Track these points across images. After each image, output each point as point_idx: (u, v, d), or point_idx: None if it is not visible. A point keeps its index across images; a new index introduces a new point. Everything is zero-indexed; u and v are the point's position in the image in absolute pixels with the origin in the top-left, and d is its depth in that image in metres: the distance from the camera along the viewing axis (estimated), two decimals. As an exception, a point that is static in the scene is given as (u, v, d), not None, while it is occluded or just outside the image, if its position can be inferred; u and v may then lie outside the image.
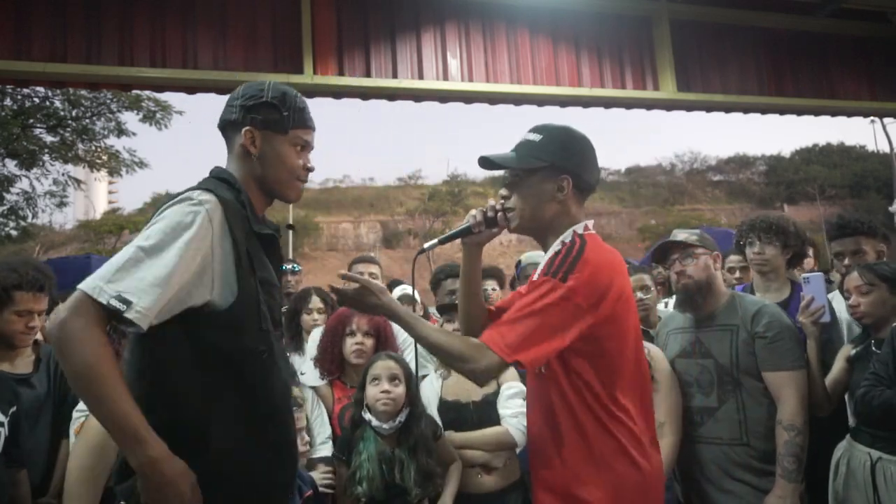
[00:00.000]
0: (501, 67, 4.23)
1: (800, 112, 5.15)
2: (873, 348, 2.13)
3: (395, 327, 2.96)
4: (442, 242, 1.64)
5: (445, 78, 4.09)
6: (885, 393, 1.93)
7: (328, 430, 2.39)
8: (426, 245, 1.65)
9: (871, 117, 17.93)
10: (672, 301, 2.55)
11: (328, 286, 1.64)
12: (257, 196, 1.45)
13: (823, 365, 2.28)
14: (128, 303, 1.14)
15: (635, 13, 4.58)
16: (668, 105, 4.70)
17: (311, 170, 1.52)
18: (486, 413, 2.32)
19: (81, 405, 2.15)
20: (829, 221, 2.71)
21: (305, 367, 2.64)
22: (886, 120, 22.99)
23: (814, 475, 2.16)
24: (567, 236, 1.52)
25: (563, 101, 4.44)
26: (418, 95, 4.11)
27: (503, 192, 1.60)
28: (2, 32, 3.40)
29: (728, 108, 4.85)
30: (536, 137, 1.55)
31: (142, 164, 14.64)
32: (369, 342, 2.46)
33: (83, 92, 12.13)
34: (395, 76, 3.98)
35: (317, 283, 3.74)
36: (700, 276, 2.23)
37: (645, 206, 40.96)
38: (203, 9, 3.73)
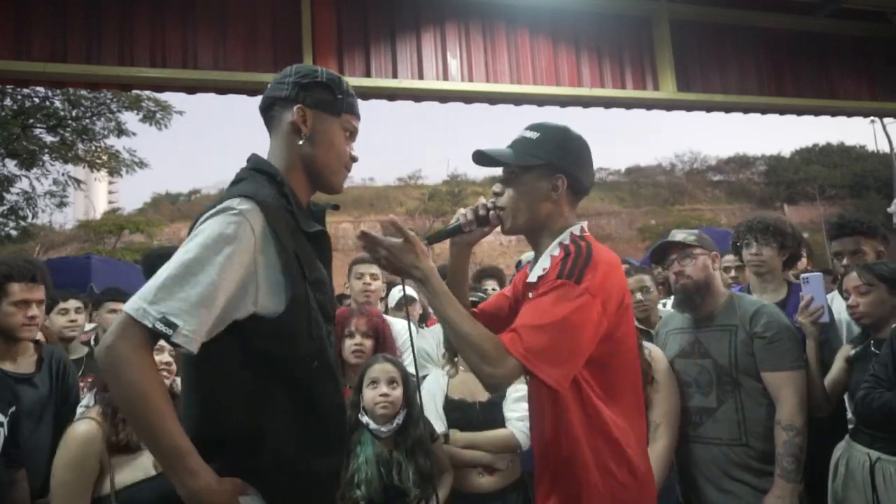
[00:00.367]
0: (501, 67, 4.23)
1: (800, 112, 5.15)
2: (873, 349, 2.13)
3: (395, 328, 2.97)
4: (431, 242, 1.60)
5: (445, 78, 4.09)
6: (884, 395, 1.93)
7: None
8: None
9: (871, 117, 17.93)
10: (672, 301, 2.56)
11: (360, 232, 1.46)
12: (301, 184, 1.39)
13: (822, 365, 2.28)
14: (173, 326, 1.12)
15: (635, 13, 4.58)
16: (668, 105, 4.70)
17: (355, 159, 1.47)
18: (492, 414, 2.33)
19: (85, 401, 2.16)
20: (828, 221, 2.72)
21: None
22: (886, 120, 23.01)
23: (813, 475, 2.16)
24: (565, 238, 1.50)
25: (563, 101, 4.44)
26: (418, 95, 4.11)
27: (496, 189, 1.57)
28: (2, 32, 3.40)
29: (728, 108, 4.85)
30: (533, 135, 1.53)
31: (142, 164, 14.65)
32: (368, 343, 2.45)
33: (83, 92, 12.13)
34: (395, 76, 3.98)
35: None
36: (699, 276, 2.23)
37: (645, 206, 40.94)
38: (203, 9, 3.73)
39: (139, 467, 1.79)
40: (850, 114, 5.30)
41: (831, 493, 2.15)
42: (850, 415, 2.38)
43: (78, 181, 14.70)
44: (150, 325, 1.12)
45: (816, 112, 5.18)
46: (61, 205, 14.40)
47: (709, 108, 4.83)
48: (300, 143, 1.37)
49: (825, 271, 2.85)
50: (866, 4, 4.82)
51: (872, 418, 1.99)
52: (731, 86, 4.72)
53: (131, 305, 1.14)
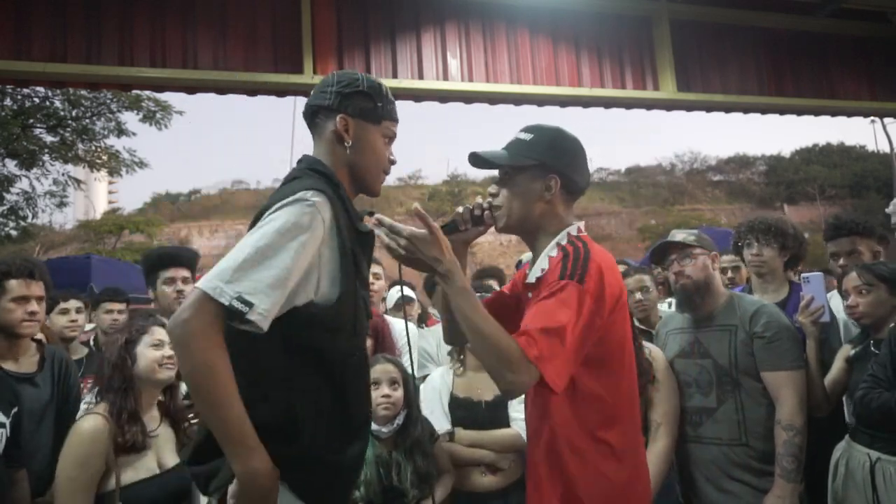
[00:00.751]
0: (501, 67, 4.22)
1: (800, 112, 5.14)
2: (872, 349, 2.13)
3: (395, 328, 2.97)
4: None
5: (445, 78, 4.09)
6: (883, 395, 1.93)
7: None
8: None
9: (871, 117, 17.92)
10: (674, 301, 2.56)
11: (375, 218, 1.39)
12: (347, 187, 1.45)
13: (822, 365, 2.28)
14: (249, 304, 1.16)
15: (635, 13, 4.58)
16: (668, 105, 4.70)
17: (394, 162, 1.53)
18: (497, 413, 2.33)
19: (87, 398, 2.16)
20: (825, 222, 2.72)
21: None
22: (886, 120, 22.98)
23: (812, 475, 2.17)
24: (563, 238, 1.51)
25: (563, 101, 4.44)
26: (418, 95, 4.11)
27: (492, 189, 1.59)
28: (2, 32, 3.40)
29: (728, 108, 4.85)
30: (527, 136, 1.56)
31: (142, 164, 14.63)
32: (368, 343, 2.46)
33: (83, 92, 12.11)
34: (395, 76, 3.98)
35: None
36: (698, 276, 2.23)
37: (645, 206, 40.92)
38: (203, 9, 3.73)
39: (143, 466, 1.80)
40: (850, 114, 5.30)
41: (831, 493, 2.15)
42: (847, 415, 2.39)
43: (78, 181, 14.69)
44: (226, 303, 1.15)
45: (816, 112, 5.18)
46: (61, 205, 14.39)
47: (709, 108, 4.83)
48: (344, 150, 1.44)
49: (825, 271, 2.84)
50: (866, 4, 4.81)
51: (871, 418, 1.99)
52: (731, 86, 4.72)
53: (207, 284, 1.17)
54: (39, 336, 2.57)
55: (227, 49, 3.73)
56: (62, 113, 13.03)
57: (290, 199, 1.29)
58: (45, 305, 2.47)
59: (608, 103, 4.56)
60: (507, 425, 2.31)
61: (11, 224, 13.71)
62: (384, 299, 3.67)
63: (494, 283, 3.78)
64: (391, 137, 1.51)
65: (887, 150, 28.17)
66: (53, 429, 2.35)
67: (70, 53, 3.48)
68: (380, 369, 2.14)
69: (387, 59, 4.01)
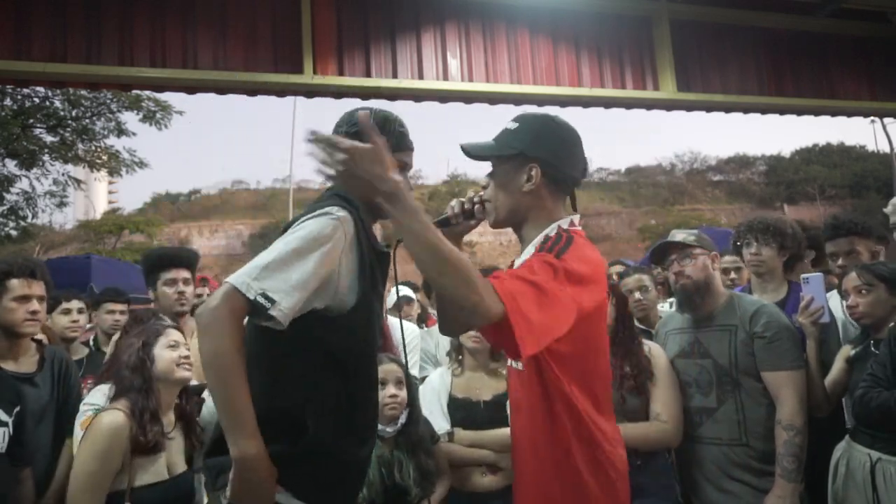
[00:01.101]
0: (501, 67, 4.23)
1: (800, 112, 5.14)
2: (872, 349, 2.13)
3: (393, 329, 2.98)
4: None
5: (445, 78, 4.09)
6: (882, 394, 1.93)
7: None
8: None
9: (871, 117, 17.93)
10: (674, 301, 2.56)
11: (310, 131, 1.23)
12: (365, 212, 1.52)
13: (822, 365, 2.28)
14: (272, 301, 1.25)
15: (635, 13, 4.58)
16: (668, 105, 4.70)
17: (410, 189, 1.56)
18: (496, 413, 2.32)
19: (88, 399, 2.16)
20: (824, 222, 2.73)
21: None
22: (886, 120, 22.99)
23: (812, 476, 2.17)
24: (552, 230, 1.45)
25: (563, 101, 4.44)
26: (418, 95, 4.11)
27: (482, 182, 1.55)
28: (2, 32, 3.40)
29: (728, 108, 4.85)
30: (513, 125, 1.50)
31: (142, 164, 14.63)
32: None
33: (83, 92, 12.11)
34: (395, 76, 3.98)
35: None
36: (698, 276, 2.23)
37: (645, 206, 40.91)
38: (203, 9, 3.73)
39: (154, 470, 1.81)
40: (850, 114, 5.30)
41: (831, 493, 2.15)
42: (846, 415, 2.39)
43: (78, 181, 14.69)
44: (252, 297, 1.25)
45: (816, 112, 5.18)
46: (61, 205, 14.40)
47: (709, 108, 4.83)
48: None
49: (825, 271, 2.85)
50: (866, 4, 4.81)
51: (870, 417, 1.98)
52: (731, 86, 4.72)
53: (236, 279, 1.27)
54: (40, 336, 2.57)
55: (227, 49, 3.73)
56: (62, 113, 13.03)
57: (318, 212, 1.40)
58: (47, 305, 2.47)
59: (608, 103, 4.57)
60: (507, 424, 2.31)
61: (11, 224, 13.72)
62: (408, 300, 3.68)
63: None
64: (404, 167, 1.53)
65: (887, 150, 28.18)
66: (53, 429, 2.35)
67: (70, 53, 3.48)
68: (386, 369, 2.14)
69: (387, 59, 4.01)
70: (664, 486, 2.17)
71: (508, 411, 2.31)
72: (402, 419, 2.13)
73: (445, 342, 3.16)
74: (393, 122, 1.54)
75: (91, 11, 3.54)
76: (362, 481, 1.56)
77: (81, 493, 1.67)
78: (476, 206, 1.53)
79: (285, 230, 1.41)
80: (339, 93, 3.98)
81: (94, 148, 14.22)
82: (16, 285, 2.25)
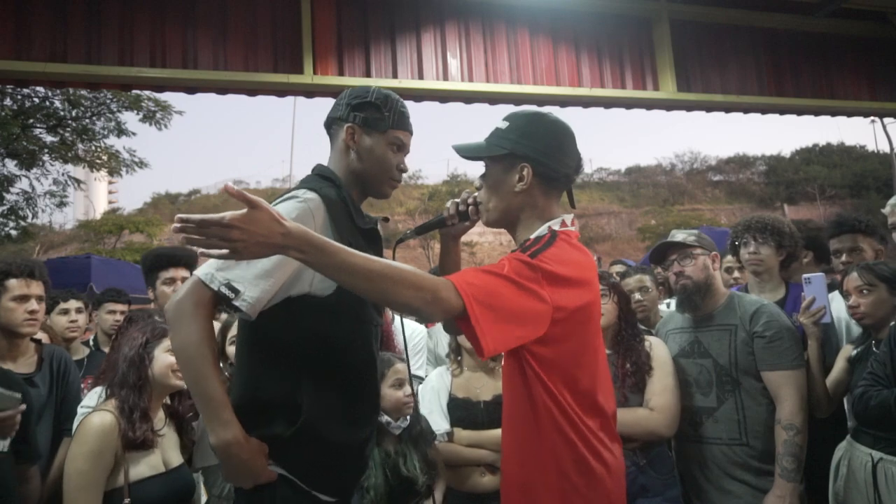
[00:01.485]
0: (501, 67, 4.22)
1: (800, 112, 5.14)
2: (874, 349, 2.13)
3: (408, 329, 2.99)
4: (418, 233, 1.65)
5: (445, 78, 4.09)
6: (882, 393, 1.93)
7: None
8: (405, 234, 1.64)
9: (871, 117, 17.92)
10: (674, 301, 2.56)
11: (177, 217, 1.08)
12: (353, 190, 1.54)
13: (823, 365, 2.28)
14: (236, 291, 1.27)
15: (635, 13, 4.58)
16: (668, 105, 4.69)
17: (403, 170, 1.59)
18: (496, 413, 2.32)
19: (85, 401, 2.16)
20: (829, 220, 2.74)
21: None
22: (886, 120, 22.97)
23: (813, 476, 2.16)
24: (542, 231, 1.41)
25: (563, 101, 4.44)
26: (418, 95, 4.11)
27: (477, 182, 1.52)
28: (2, 32, 3.40)
29: (728, 108, 4.85)
30: (504, 124, 1.46)
31: (142, 164, 14.60)
32: None
33: (83, 92, 12.10)
34: (395, 76, 3.98)
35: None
36: (698, 276, 2.23)
37: (645, 206, 40.87)
38: (203, 9, 3.73)
39: (150, 464, 1.81)
40: (850, 114, 5.30)
41: (832, 493, 2.15)
42: (848, 415, 2.38)
43: (78, 181, 14.67)
44: (216, 288, 1.27)
45: (816, 112, 5.17)
46: (61, 205, 14.36)
47: (709, 108, 4.82)
48: (351, 157, 1.54)
49: (826, 270, 2.85)
50: (866, 4, 4.81)
51: (870, 416, 1.98)
52: (731, 86, 4.72)
53: (202, 270, 1.29)
54: (39, 336, 2.57)
55: (227, 49, 3.73)
56: (62, 113, 13.01)
57: (285, 197, 1.40)
58: (45, 305, 2.47)
59: (608, 103, 4.56)
60: None
61: (11, 224, 13.68)
62: None
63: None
64: (400, 146, 1.56)
65: (887, 150, 28.17)
66: (51, 428, 2.35)
67: (70, 53, 3.48)
68: (400, 369, 2.14)
69: (387, 59, 4.01)
70: (668, 486, 2.17)
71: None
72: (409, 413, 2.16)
73: (445, 342, 3.16)
74: (395, 101, 1.57)
75: (91, 11, 3.54)
76: (362, 464, 1.54)
77: (76, 492, 1.67)
78: (470, 208, 1.53)
79: None
80: (338, 93, 3.90)
81: (94, 148, 14.20)
82: (14, 285, 2.25)
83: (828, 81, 4.98)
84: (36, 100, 12.40)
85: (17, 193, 13.38)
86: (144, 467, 1.79)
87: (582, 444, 1.33)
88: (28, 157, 12.90)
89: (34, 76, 3.51)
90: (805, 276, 2.34)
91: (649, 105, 4.66)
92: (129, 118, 13.42)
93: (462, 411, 2.35)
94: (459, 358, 2.46)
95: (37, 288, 2.31)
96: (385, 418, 2.10)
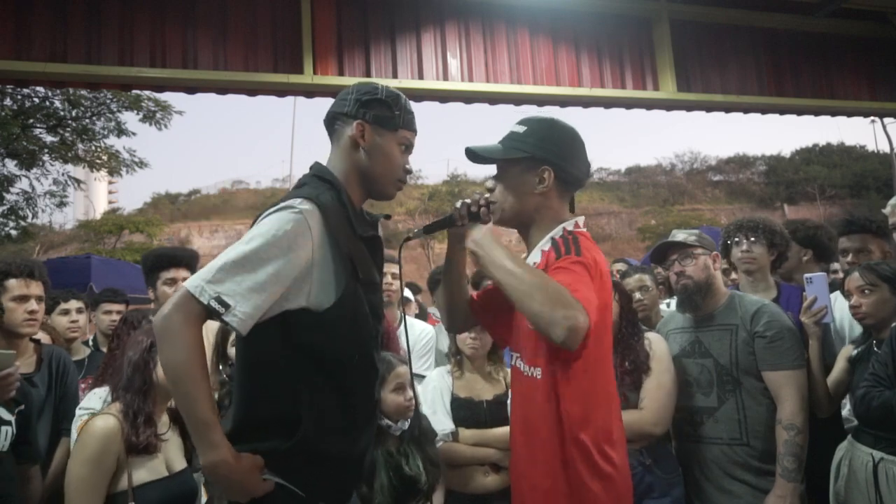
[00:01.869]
0: (501, 67, 4.22)
1: (800, 112, 5.14)
2: (875, 349, 2.13)
3: (415, 329, 3.00)
4: (427, 232, 1.63)
5: (445, 78, 4.09)
6: (884, 394, 1.92)
7: None
8: (413, 232, 1.64)
9: (871, 117, 17.92)
10: (674, 301, 2.56)
11: None
12: (356, 190, 1.49)
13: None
14: (226, 305, 1.22)
15: (635, 13, 4.58)
16: (668, 105, 4.70)
17: (409, 171, 1.56)
18: (498, 413, 2.33)
19: (84, 403, 2.16)
20: (839, 218, 2.75)
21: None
22: (886, 120, 22.95)
23: (814, 475, 2.16)
24: (557, 233, 1.49)
25: (563, 101, 4.43)
26: (418, 95, 4.11)
27: (489, 184, 1.57)
28: (2, 32, 3.39)
29: (728, 108, 4.85)
30: (521, 129, 1.54)
31: (142, 164, 14.59)
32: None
33: (83, 92, 12.08)
34: (395, 76, 3.97)
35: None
36: (699, 276, 2.23)
37: (645, 206, 40.85)
38: (203, 9, 3.73)
39: (153, 468, 1.80)
40: (850, 114, 5.30)
41: (833, 493, 2.15)
42: (845, 412, 2.39)
43: (78, 181, 14.66)
44: (205, 302, 1.21)
45: (816, 112, 5.17)
46: (61, 205, 14.35)
47: (709, 108, 4.83)
48: (359, 155, 1.47)
49: (825, 270, 2.85)
50: (866, 4, 4.81)
51: (872, 417, 1.98)
52: (731, 86, 4.72)
53: (192, 282, 1.24)
54: (39, 336, 2.57)
55: (227, 49, 3.73)
56: (62, 113, 13.00)
57: (278, 206, 1.34)
58: (45, 305, 2.46)
59: (608, 103, 4.56)
60: (508, 424, 2.31)
61: (11, 224, 13.68)
62: (406, 301, 3.67)
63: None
64: (407, 146, 1.53)
65: (887, 150, 28.16)
66: (50, 428, 2.35)
67: (70, 53, 3.48)
68: (401, 372, 2.14)
69: (387, 59, 4.00)
70: (673, 485, 2.17)
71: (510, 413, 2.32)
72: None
73: (447, 343, 3.16)
74: (404, 100, 1.53)
75: (91, 11, 3.54)
76: (359, 475, 1.54)
77: (77, 496, 1.67)
78: (482, 209, 1.54)
79: (253, 223, 1.38)
80: (338, 93, 3.96)
81: (94, 148, 14.19)
82: (14, 285, 2.25)
83: (828, 81, 4.98)
84: (36, 100, 12.39)
85: (17, 193, 13.38)
86: (147, 472, 1.79)
87: (603, 446, 1.40)
88: (28, 157, 12.89)
89: (34, 76, 3.51)
90: (806, 275, 2.34)
91: (649, 105, 4.66)
92: (129, 118, 13.43)
93: (465, 411, 2.35)
94: (459, 358, 2.46)
95: (36, 288, 2.31)
96: (385, 422, 2.10)
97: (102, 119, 13.32)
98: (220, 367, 2.33)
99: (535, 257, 1.49)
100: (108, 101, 12.93)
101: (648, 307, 2.92)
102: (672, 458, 2.26)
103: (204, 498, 2.20)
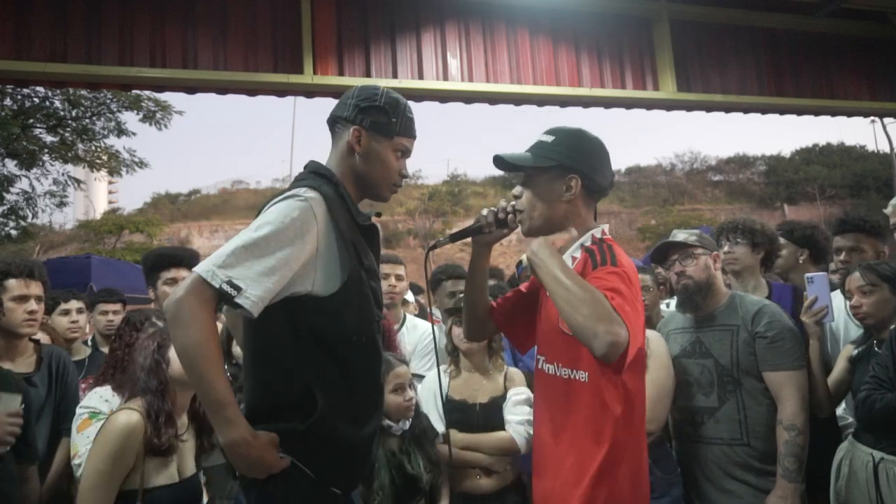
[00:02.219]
0: (501, 67, 4.22)
1: (800, 112, 5.14)
2: (876, 349, 2.13)
3: (419, 330, 3.00)
4: (453, 240, 1.66)
5: (445, 78, 4.09)
6: (886, 396, 1.92)
7: None
8: (439, 241, 1.68)
9: (871, 117, 17.92)
10: (674, 301, 2.56)
11: None
12: (352, 191, 1.54)
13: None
14: (238, 289, 1.25)
15: (635, 13, 4.58)
16: (668, 105, 4.69)
17: (405, 176, 1.59)
18: (491, 416, 2.32)
19: (85, 402, 2.16)
20: (834, 218, 2.78)
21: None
22: (886, 120, 22.95)
23: (812, 476, 2.16)
24: (587, 240, 1.54)
25: (563, 101, 4.43)
26: (418, 95, 4.11)
27: (515, 191, 1.62)
28: (2, 32, 3.39)
29: (728, 108, 4.85)
30: (549, 138, 1.58)
31: (142, 164, 14.59)
32: None
33: (83, 92, 12.08)
34: (395, 76, 3.97)
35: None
36: (700, 276, 2.23)
37: (645, 206, 40.84)
38: (203, 9, 3.73)
39: (166, 473, 1.80)
40: (850, 114, 5.30)
41: (834, 493, 2.15)
42: (839, 411, 2.39)
43: (78, 181, 14.65)
44: (217, 286, 1.25)
45: (816, 112, 5.17)
46: (61, 205, 14.34)
47: (709, 108, 4.83)
48: (354, 159, 1.52)
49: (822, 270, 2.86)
50: (866, 4, 4.81)
51: (875, 419, 1.98)
52: (731, 86, 4.72)
53: (203, 267, 1.27)
54: (39, 336, 2.57)
55: (227, 49, 3.73)
56: (62, 113, 13.00)
57: (285, 195, 1.40)
58: (45, 305, 2.46)
59: (608, 103, 4.56)
60: (502, 428, 2.31)
61: (11, 224, 13.67)
62: (405, 302, 3.67)
63: (493, 283, 3.77)
64: (404, 151, 1.56)
65: (887, 150, 28.17)
66: (50, 428, 2.35)
67: (70, 53, 3.48)
68: (400, 373, 2.14)
69: (387, 59, 4.00)
70: (672, 485, 2.17)
71: (506, 413, 2.31)
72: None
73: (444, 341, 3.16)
74: (403, 107, 1.56)
75: (91, 11, 3.54)
76: (368, 459, 1.58)
77: (91, 490, 1.67)
78: (509, 216, 1.58)
79: (259, 213, 1.42)
80: (339, 93, 3.94)
81: (94, 148, 14.18)
82: (14, 285, 2.25)
83: (828, 81, 4.98)
84: (36, 100, 12.39)
85: (17, 193, 13.38)
86: (160, 475, 1.78)
87: (638, 453, 1.47)
88: (28, 157, 12.89)
89: (34, 76, 3.51)
90: (807, 275, 2.34)
91: (649, 105, 4.66)
92: (129, 118, 13.43)
93: (458, 413, 2.35)
94: (456, 357, 2.46)
95: (36, 288, 2.31)
96: (386, 422, 2.10)
97: (102, 119, 13.32)
98: (226, 367, 2.33)
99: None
100: (108, 101, 12.93)
101: (649, 307, 2.92)
102: (671, 458, 2.26)
103: (205, 498, 2.20)
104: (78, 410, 2.19)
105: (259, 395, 1.41)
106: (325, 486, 1.39)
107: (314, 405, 1.36)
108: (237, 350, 2.80)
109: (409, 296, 4.34)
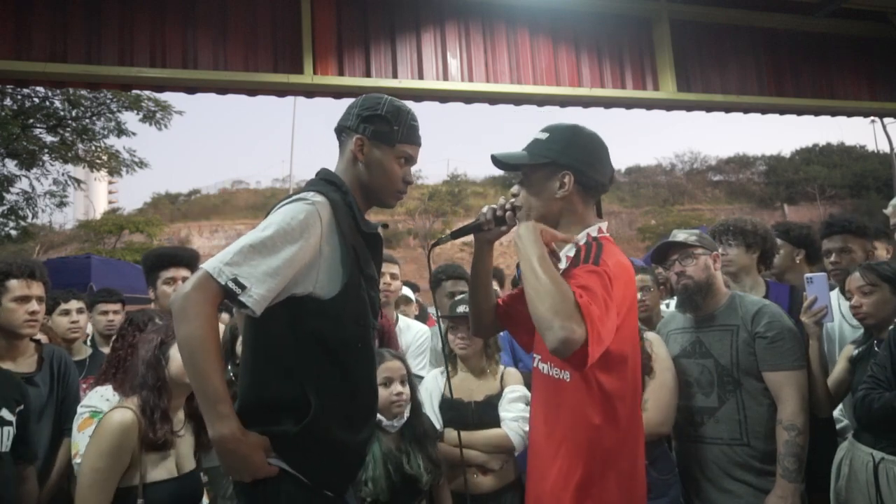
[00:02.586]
0: (501, 67, 4.22)
1: (800, 112, 5.15)
2: (876, 349, 2.13)
3: (413, 330, 3.00)
4: (454, 237, 1.68)
5: (445, 78, 4.09)
6: (884, 396, 1.93)
7: None
8: (441, 238, 1.69)
9: (871, 117, 17.91)
10: (674, 302, 2.56)
11: None
12: (359, 198, 1.56)
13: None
14: (243, 286, 1.29)
15: (635, 13, 4.58)
16: (668, 105, 4.70)
17: (409, 182, 1.62)
18: (486, 414, 2.32)
19: (86, 401, 2.16)
20: (822, 221, 2.79)
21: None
22: (886, 120, 22.96)
23: (812, 476, 2.16)
24: (581, 238, 1.53)
25: (563, 101, 4.44)
26: (418, 95, 4.11)
27: (514, 189, 1.62)
28: (2, 32, 3.39)
29: (728, 108, 4.85)
30: (544, 136, 1.58)
31: (142, 164, 14.60)
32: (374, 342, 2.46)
33: (83, 92, 12.09)
34: (395, 76, 3.98)
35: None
36: (700, 276, 2.23)
37: (645, 206, 40.88)
38: (203, 9, 3.73)
39: (165, 467, 1.80)
40: (850, 114, 5.30)
41: (834, 493, 2.15)
42: (836, 412, 2.39)
43: (78, 181, 14.66)
44: (223, 283, 1.28)
45: (816, 112, 5.18)
46: (61, 205, 14.35)
47: (709, 108, 4.83)
48: (358, 168, 1.56)
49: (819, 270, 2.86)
50: (866, 4, 4.81)
51: (873, 419, 1.98)
52: (731, 86, 4.72)
53: (210, 264, 1.30)
54: (38, 337, 2.57)
55: (227, 49, 3.73)
56: (62, 113, 13.00)
57: (293, 198, 1.43)
58: (46, 306, 2.46)
59: (608, 103, 4.56)
60: (498, 426, 2.31)
61: (11, 224, 13.68)
62: (407, 301, 3.66)
63: (495, 284, 3.77)
64: (407, 159, 1.58)
65: (887, 150, 28.18)
66: (51, 427, 2.35)
67: (70, 53, 3.48)
68: (391, 367, 2.14)
69: (387, 59, 4.00)
70: (670, 485, 2.17)
71: (501, 411, 2.31)
72: (407, 412, 2.14)
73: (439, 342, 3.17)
74: (405, 115, 1.58)
75: (91, 11, 3.54)
76: (360, 463, 1.59)
77: (88, 489, 1.67)
78: (507, 213, 1.58)
79: (268, 215, 1.45)
80: (338, 93, 3.97)
81: (94, 148, 14.19)
82: (15, 286, 2.25)
83: (828, 81, 4.98)
84: (36, 100, 12.39)
85: (17, 193, 13.39)
86: (159, 470, 1.79)
87: (633, 450, 1.48)
88: (28, 157, 12.90)
89: (34, 76, 3.51)
90: (807, 275, 2.34)
91: (649, 105, 4.66)
92: (129, 118, 13.44)
93: (452, 411, 2.35)
94: (453, 357, 2.46)
95: (37, 289, 2.31)
96: (377, 417, 2.10)
97: (102, 119, 13.33)
98: (229, 367, 2.33)
99: (561, 264, 1.52)
100: (108, 101, 12.93)
101: (650, 307, 2.92)
102: (669, 458, 2.26)
103: (205, 499, 2.20)
104: (79, 409, 2.19)
105: (254, 394, 1.42)
106: (319, 489, 1.40)
107: (308, 407, 1.37)
108: (240, 349, 2.81)
109: (410, 294, 4.34)
